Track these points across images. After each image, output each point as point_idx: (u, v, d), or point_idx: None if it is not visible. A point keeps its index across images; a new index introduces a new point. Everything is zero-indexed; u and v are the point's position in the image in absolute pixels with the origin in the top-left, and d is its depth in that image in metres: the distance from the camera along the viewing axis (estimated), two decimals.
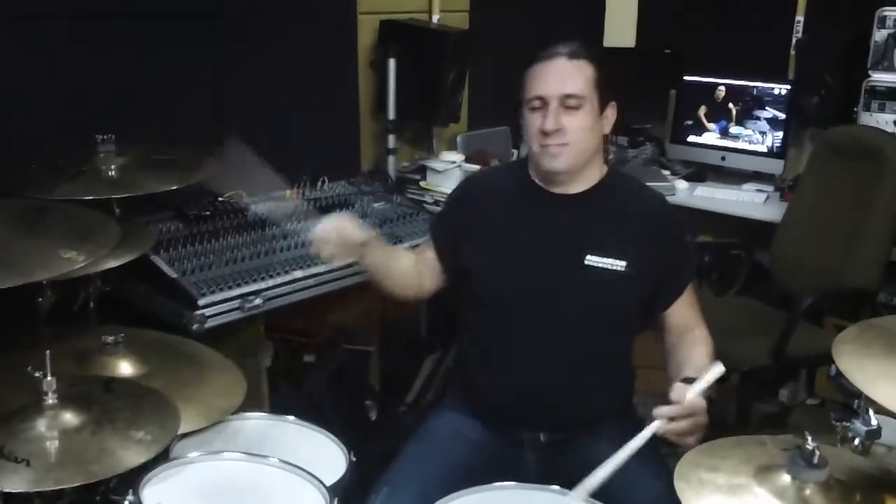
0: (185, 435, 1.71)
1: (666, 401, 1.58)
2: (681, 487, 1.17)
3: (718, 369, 1.60)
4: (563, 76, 1.78)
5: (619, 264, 1.80)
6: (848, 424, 1.36)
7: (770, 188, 3.42)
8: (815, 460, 1.14)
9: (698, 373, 1.64)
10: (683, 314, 1.91)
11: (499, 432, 1.89)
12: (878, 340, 1.25)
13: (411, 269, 2.02)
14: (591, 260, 1.81)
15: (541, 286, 1.83)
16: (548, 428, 1.86)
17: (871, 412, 1.34)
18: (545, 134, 1.77)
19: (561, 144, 1.77)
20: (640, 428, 1.94)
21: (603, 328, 1.85)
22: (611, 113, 1.86)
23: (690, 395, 1.57)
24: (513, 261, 1.85)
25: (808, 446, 1.14)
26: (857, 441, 1.34)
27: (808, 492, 1.13)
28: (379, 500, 1.72)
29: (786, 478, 1.15)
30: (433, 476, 1.72)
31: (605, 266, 1.80)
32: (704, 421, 1.60)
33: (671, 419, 1.56)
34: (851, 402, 1.39)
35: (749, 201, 3.34)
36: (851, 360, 1.19)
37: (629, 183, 1.97)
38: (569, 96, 1.76)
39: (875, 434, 1.33)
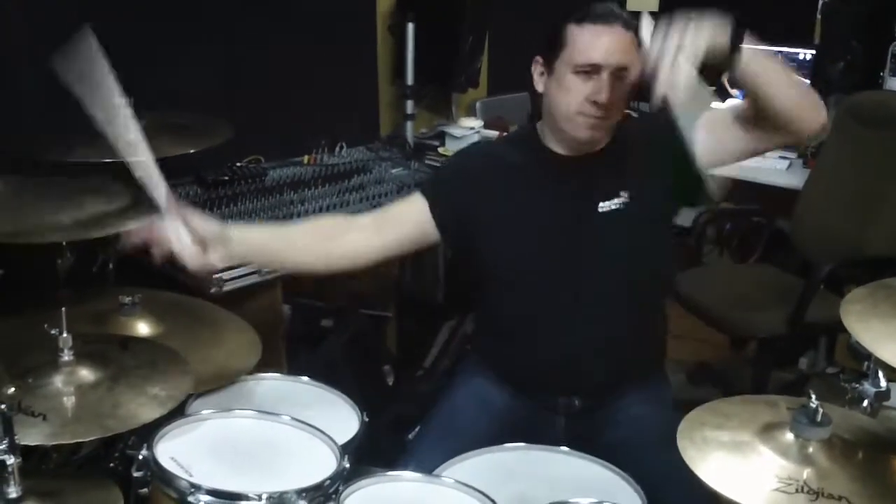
0: (200, 394, 1.75)
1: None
2: (684, 445, 1.18)
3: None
4: (621, 46, 1.66)
5: (622, 200, 1.75)
6: (857, 386, 1.35)
7: (793, 155, 3.38)
8: (819, 418, 1.14)
9: None
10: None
11: (531, 399, 1.87)
12: (888, 301, 1.24)
13: (358, 239, 1.82)
14: (603, 206, 1.76)
15: (562, 253, 1.79)
16: (583, 392, 1.84)
17: (880, 374, 1.34)
18: (595, 104, 1.68)
19: (602, 118, 1.70)
20: (670, 390, 1.94)
21: (629, 272, 1.79)
22: (637, 66, 1.73)
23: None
24: (531, 233, 1.81)
25: (811, 404, 1.14)
26: (865, 402, 1.34)
27: (810, 450, 1.13)
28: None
29: (789, 436, 1.15)
30: (458, 449, 1.69)
31: (614, 207, 1.76)
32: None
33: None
34: (862, 364, 1.39)
35: (771, 168, 3.31)
36: (860, 320, 1.18)
37: (633, 121, 1.92)
38: (623, 69, 1.66)
39: (884, 395, 1.33)
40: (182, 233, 1.56)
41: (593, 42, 1.66)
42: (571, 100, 1.69)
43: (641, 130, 1.84)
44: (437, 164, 3.07)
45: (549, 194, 1.81)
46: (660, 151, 1.73)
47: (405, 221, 1.82)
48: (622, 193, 1.76)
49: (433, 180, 1.94)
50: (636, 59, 1.64)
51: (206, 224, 1.60)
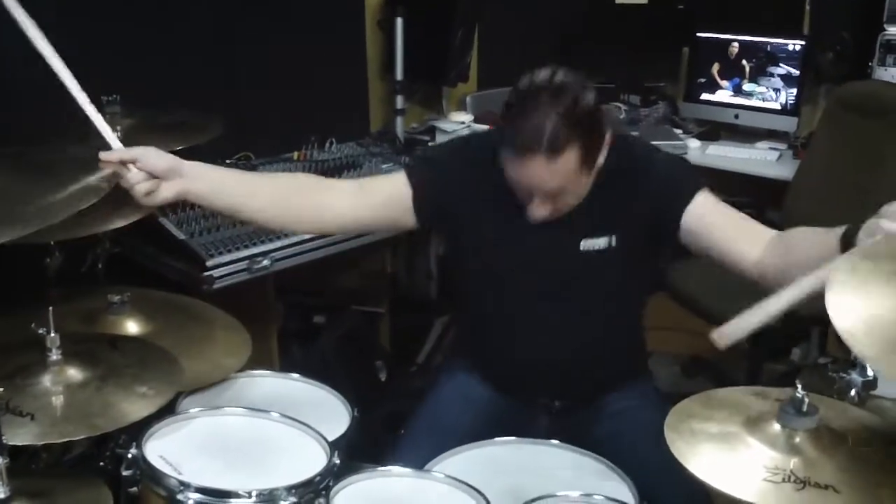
0: (191, 392, 1.75)
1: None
2: (672, 438, 1.18)
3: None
4: (544, 177, 1.56)
5: (605, 241, 1.71)
6: (844, 376, 1.36)
7: (783, 146, 3.38)
8: (805, 408, 1.14)
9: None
10: (731, 231, 1.65)
11: (511, 398, 1.88)
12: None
13: (331, 202, 1.74)
14: (585, 245, 1.71)
15: (540, 275, 1.76)
16: (561, 396, 1.85)
17: (867, 364, 1.34)
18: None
19: (554, 213, 1.65)
20: (655, 387, 1.94)
21: (606, 305, 1.79)
22: (606, 144, 1.64)
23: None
24: (511, 255, 1.76)
25: (797, 395, 1.14)
26: (853, 392, 1.34)
27: (797, 440, 1.14)
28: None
29: (776, 426, 1.16)
30: (443, 445, 1.70)
31: (598, 247, 1.71)
32: None
33: None
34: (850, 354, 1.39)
35: (761, 159, 3.31)
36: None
37: (634, 156, 1.75)
38: (555, 190, 1.59)
39: (871, 385, 1.33)
40: (132, 167, 1.51)
41: (520, 173, 1.58)
42: (519, 194, 1.65)
43: (648, 178, 1.72)
44: (426, 148, 3.05)
45: (531, 223, 1.70)
46: (660, 212, 1.69)
47: (385, 201, 1.76)
48: (607, 235, 1.71)
49: (421, 166, 1.84)
50: (575, 169, 1.56)
51: (159, 157, 1.54)
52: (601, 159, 1.63)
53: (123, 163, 1.50)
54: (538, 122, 1.52)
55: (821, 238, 1.46)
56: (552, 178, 1.56)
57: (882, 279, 1.07)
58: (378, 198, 1.77)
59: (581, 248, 1.71)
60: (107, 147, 1.53)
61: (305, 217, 1.74)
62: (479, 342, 1.91)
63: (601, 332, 1.79)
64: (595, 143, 1.60)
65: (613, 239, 1.71)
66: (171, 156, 1.57)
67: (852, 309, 1.03)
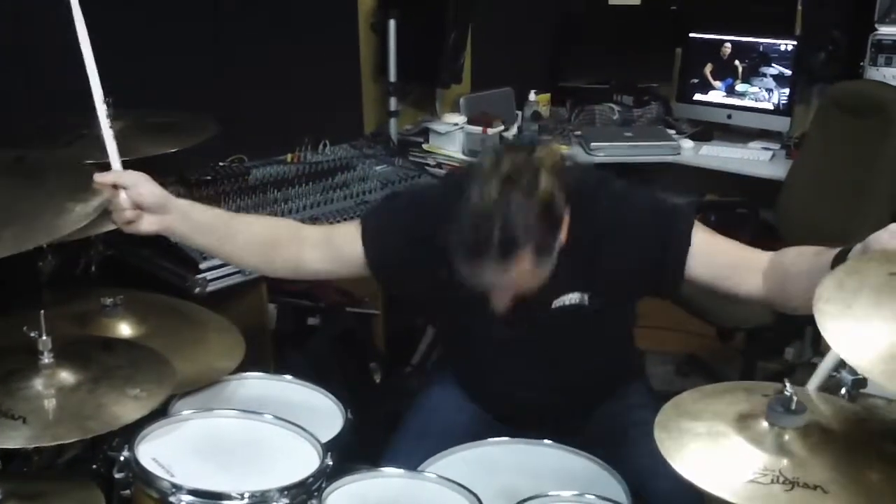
0: (184, 395, 1.75)
1: None
2: (661, 437, 1.18)
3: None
4: (497, 281, 1.48)
5: (578, 296, 1.64)
6: (835, 374, 1.36)
7: (776, 146, 3.40)
8: (793, 406, 1.14)
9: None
10: (736, 269, 1.60)
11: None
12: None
13: (275, 245, 1.72)
14: (557, 303, 1.64)
15: (515, 331, 1.66)
16: (552, 425, 1.80)
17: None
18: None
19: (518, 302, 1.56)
20: (649, 387, 1.92)
21: (588, 351, 1.73)
22: (564, 226, 1.52)
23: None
24: (479, 311, 1.59)
25: (786, 392, 1.15)
26: (843, 390, 1.34)
27: (786, 437, 1.14)
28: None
29: (765, 425, 1.16)
30: (438, 446, 1.70)
31: (570, 303, 1.64)
32: None
33: None
34: None
35: (754, 159, 3.32)
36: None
37: (595, 213, 1.62)
38: (510, 287, 1.51)
39: (861, 383, 1.33)
40: (122, 193, 1.53)
41: (472, 275, 1.47)
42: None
43: (626, 237, 1.62)
44: (423, 161, 3.06)
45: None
46: (656, 268, 1.62)
47: (342, 256, 1.71)
48: (580, 292, 1.64)
49: (376, 227, 1.71)
50: (530, 270, 1.46)
51: (149, 191, 1.55)
52: (560, 241, 1.51)
53: (116, 186, 1.53)
54: (487, 225, 1.40)
55: (814, 261, 1.44)
56: (506, 280, 1.47)
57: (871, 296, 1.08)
58: (338, 254, 1.72)
59: (553, 305, 1.64)
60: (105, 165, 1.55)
61: (280, 267, 1.75)
62: (462, 374, 1.89)
63: (582, 374, 1.76)
64: (551, 235, 1.48)
65: (586, 297, 1.64)
66: (162, 191, 1.59)
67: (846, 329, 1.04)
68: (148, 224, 1.56)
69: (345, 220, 2.56)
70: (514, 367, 1.75)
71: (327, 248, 1.72)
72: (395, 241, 1.68)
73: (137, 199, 1.54)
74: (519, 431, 1.78)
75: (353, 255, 1.69)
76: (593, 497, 1.51)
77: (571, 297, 1.64)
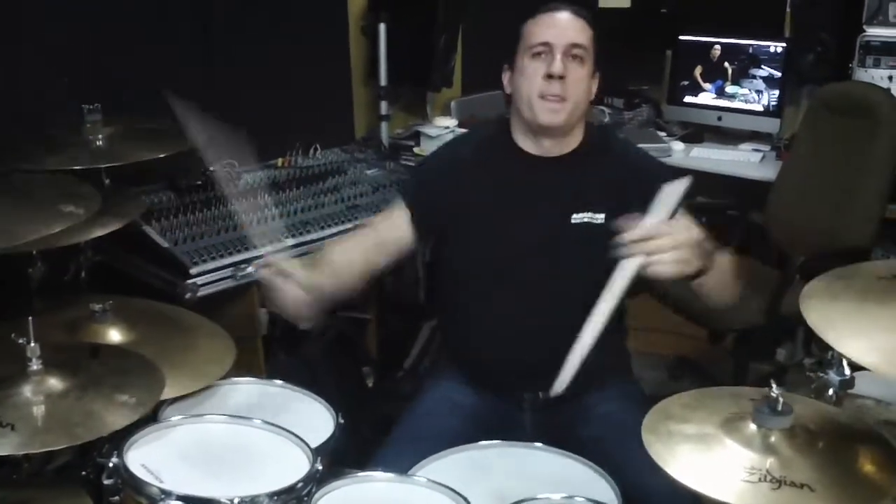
0: (174, 400, 1.74)
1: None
2: (649, 440, 1.18)
3: (679, 184, 1.50)
4: (570, 26, 1.80)
5: (599, 217, 1.80)
6: (822, 375, 1.37)
7: (766, 147, 3.41)
8: (780, 408, 1.15)
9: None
10: None
11: (496, 395, 1.90)
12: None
13: (360, 261, 1.89)
14: (577, 217, 1.81)
15: (529, 250, 1.82)
16: (545, 387, 1.85)
17: (844, 363, 1.35)
18: (550, 78, 1.76)
19: (560, 100, 1.77)
20: (640, 389, 1.94)
21: (594, 285, 1.81)
22: (597, 81, 1.86)
23: (649, 219, 1.49)
24: (500, 228, 1.84)
25: (772, 394, 1.15)
26: (831, 391, 1.35)
27: (773, 439, 1.15)
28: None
29: (752, 426, 1.16)
30: (430, 450, 1.70)
31: (589, 220, 1.81)
32: (688, 236, 1.49)
33: (642, 248, 1.47)
34: (826, 353, 1.40)
35: (744, 161, 3.33)
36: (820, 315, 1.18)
37: (610, 139, 1.96)
38: (575, 45, 1.78)
39: (848, 384, 1.34)
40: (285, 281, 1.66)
41: (543, 25, 1.80)
42: (530, 82, 1.78)
43: (634, 161, 1.91)
44: (412, 164, 3.06)
45: (521, 198, 1.85)
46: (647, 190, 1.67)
47: (395, 240, 1.90)
48: (598, 211, 1.80)
49: (409, 182, 2.03)
50: (590, 42, 1.80)
51: (298, 273, 1.68)
52: (594, 88, 1.85)
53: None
54: (561, 5, 1.82)
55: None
56: (577, 29, 1.79)
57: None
58: (389, 246, 1.90)
59: (572, 220, 1.81)
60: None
61: (359, 285, 1.90)
62: (463, 340, 1.93)
63: (583, 320, 1.79)
64: (600, 52, 1.82)
65: (603, 217, 1.79)
66: (300, 294, 1.69)
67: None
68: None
69: (336, 224, 2.57)
70: (522, 311, 1.83)
71: (374, 250, 1.90)
72: (427, 175, 2.01)
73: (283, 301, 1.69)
74: (515, 415, 1.86)
75: (399, 222, 1.89)
76: (583, 499, 1.51)
77: (589, 216, 1.81)
